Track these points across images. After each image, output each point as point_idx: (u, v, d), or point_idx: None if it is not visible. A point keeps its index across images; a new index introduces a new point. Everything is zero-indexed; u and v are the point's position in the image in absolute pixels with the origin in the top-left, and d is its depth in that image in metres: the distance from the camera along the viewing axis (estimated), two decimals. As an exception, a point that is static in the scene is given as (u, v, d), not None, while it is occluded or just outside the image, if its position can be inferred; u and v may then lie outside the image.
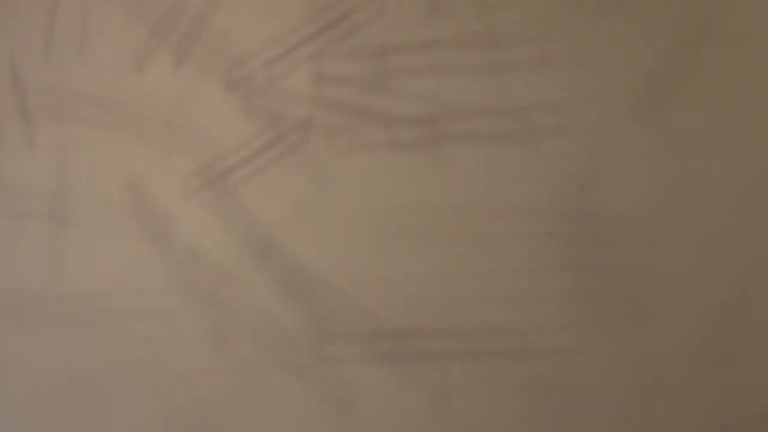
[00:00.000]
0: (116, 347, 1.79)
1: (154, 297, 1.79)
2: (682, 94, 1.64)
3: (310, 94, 1.76)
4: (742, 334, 1.59)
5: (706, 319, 1.60)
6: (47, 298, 1.82)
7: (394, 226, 1.71)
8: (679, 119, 1.63)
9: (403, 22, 1.73)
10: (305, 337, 1.73)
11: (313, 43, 1.77)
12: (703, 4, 1.63)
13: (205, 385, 1.76)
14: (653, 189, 1.63)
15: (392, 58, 1.73)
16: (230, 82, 1.79)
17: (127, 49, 1.83)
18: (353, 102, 1.74)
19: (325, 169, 1.74)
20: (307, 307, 1.73)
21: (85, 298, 1.80)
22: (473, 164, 1.69)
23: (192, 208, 1.79)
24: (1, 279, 1.85)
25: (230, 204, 1.77)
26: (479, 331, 1.67)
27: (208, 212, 1.78)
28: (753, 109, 1.62)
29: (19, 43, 1.88)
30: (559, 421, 1.64)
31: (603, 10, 1.66)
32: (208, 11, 1.81)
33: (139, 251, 1.80)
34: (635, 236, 1.63)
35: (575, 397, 1.63)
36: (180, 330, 1.78)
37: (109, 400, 1.79)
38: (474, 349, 1.67)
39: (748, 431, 1.57)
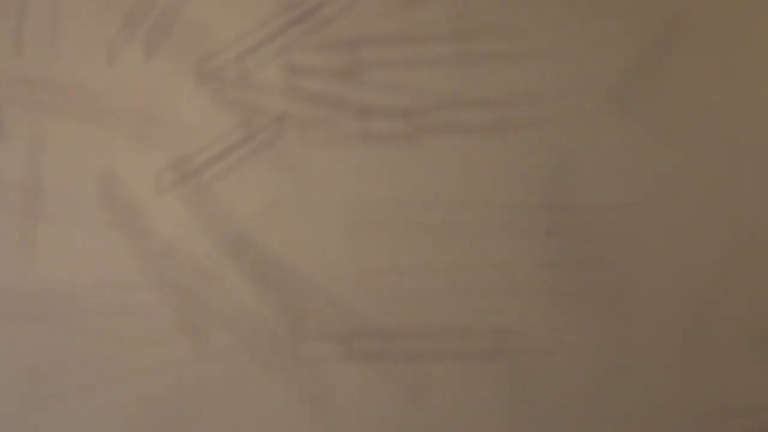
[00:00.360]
0: (89, 342, 1.79)
1: (127, 291, 1.78)
2: (657, 85, 1.64)
3: (282, 87, 1.75)
4: (717, 327, 1.60)
5: (681, 312, 1.61)
6: (18, 292, 1.81)
7: (369, 219, 1.71)
8: (654, 111, 1.64)
9: (375, 14, 1.72)
10: (279, 330, 1.73)
11: (285, 35, 1.75)
12: (678, -3, 1.64)
13: (179, 378, 1.76)
14: (630, 181, 1.64)
15: (365, 50, 1.72)
16: (202, 75, 1.78)
17: (99, 41, 1.82)
18: (326, 95, 1.73)
19: (299, 162, 1.74)
20: (282, 301, 1.73)
21: (57, 293, 1.80)
22: (448, 157, 1.69)
23: (165, 201, 1.78)
24: (-28, 273, 1.86)
25: (204, 198, 1.77)
26: (456, 324, 1.67)
27: (182, 206, 1.78)
28: (728, 100, 1.63)
29: (-11, 33, 1.88)
30: (536, 414, 1.64)
31: (577, 1, 1.66)
32: (178, 3, 1.80)
33: (112, 245, 1.79)
34: (611, 228, 1.64)
35: (552, 391, 1.64)
36: (154, 324, 1.77)
37: (82, 395, 1.79)
38: (451, 343, 1.67)
39: (721, 423, 1.59)
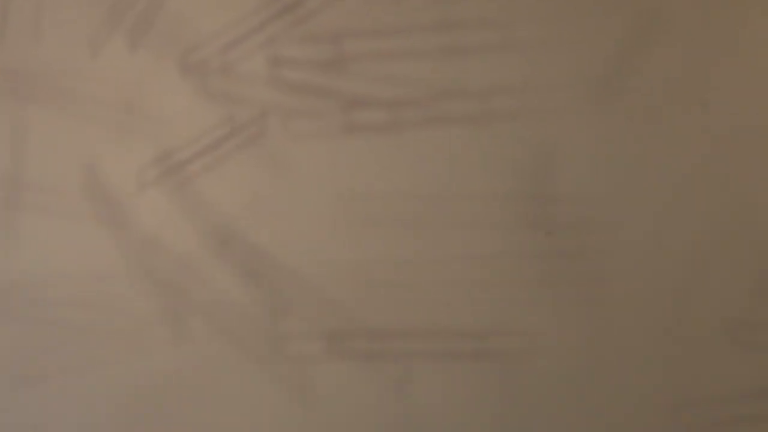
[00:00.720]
0: (68, 332, 1.78)
1: (109, 282, 1.77)
2: (638, 78, 1.64)
3: (266, 79, 1.74)
4: (695, 316, 1.61)
5: (661, 301, 1.62)
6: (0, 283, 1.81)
7: (352, 211, 1.71)
8: (635, 103, 1.64)
9: (359, 6, 1.72)
10: (261, 322, 1.73)
11: (269, 28, 1.75)
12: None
13: (160, 369, 1.75)
14: (611, 172, 1.64)
15: (349, 42, 1.72)
16: (185, 67, 1.78)
17: (82, 33, 1.81)
18: (310, 87, 1.73)
19: (283, 154, 1.73)
20: (264, 293, 1.73)
21: (37, 283, 1.79)
22: (432, 148, 1.69)
23: (148, 193, 1.78)
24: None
25: (188, 190, 1.76)
26: (440, 316, 1.68)
27: (165, 198, 1.77)
28: (706, 94, 1.63)
29: (-29, 24, 1.86)
30: (519, 404, 1.65)
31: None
32: (162, -5, 1.81)
33: (94, 236, 1.79)
34: (593, 219, 1.64)
35: (535, 381, 1.65)
36: (135, 315, 1.77)
37: (63, 387, 1.78)
38: (434, 333, 1.68)
39: (699, 411, 1.60)
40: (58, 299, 1.79)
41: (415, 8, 1.70)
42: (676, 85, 1.63)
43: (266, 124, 1.74)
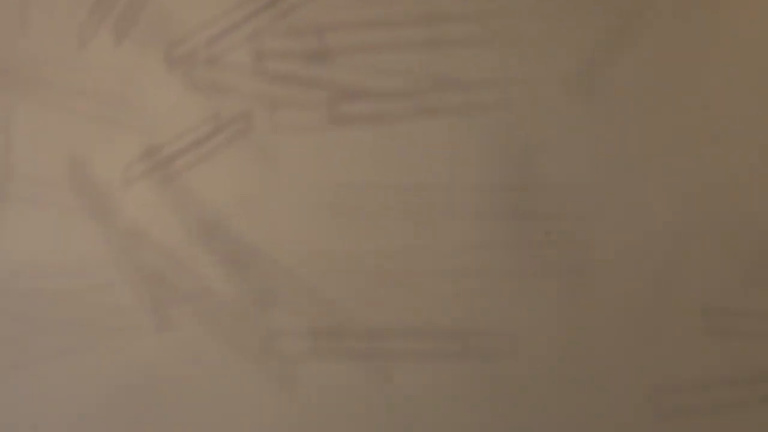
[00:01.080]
0: (56, 324, 1.77)
1: (96, 273, 1.77)
2: (616, 71, 1.65)
3: (252, 72, 1.74)
4: (673, 305, 1.62)
5: (639, 289, 1.62)
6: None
7: (338, 203, 1.71)
8: (613, 95, 1.65)
9: (342, 0, 1.73)
10: (248, 313, 1.73)
11: (253, 21, 1.75)
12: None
13: (145, 358, 1.75)
14: (589, 162, 1.65)
15: (333, 35, 1.72)
16: (171, 59, 1.77)
17: (69, 25, 1.80)
18: (295, 80, 1.73)
19: (268, 146, 1.73)
20: (251, 285, 1.73)
21: (24, 275, 1.79)
22: (417, 141, 1.69)
23: (135, 185, 1.77)
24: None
25: (174, 181, 1.76)
26: (423, 305, 1.68)
27: (151, 189, 1.77)
28: (683, 86, 1.64)
29: (-43, 17, 1.85)
30: (500, 390, 1.66)
31: (539, -10, 1.67)
32: (148, -12, 1.80)
33: (81, 228, 1.78)
34: (572, 209, 1.65)
35: (515, 368, 1.65)
36: (122, 306, 1.76)
37: (49, 376, 1.77)
38: (418, 322, 1.68)
39: (676, 397, 1.61)
40: (44, 290, 1.78)
41: (399, 2, 1.71)
42: (656, 78, 1.64)
43: (252, 118, 1.74)
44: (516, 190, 1.66)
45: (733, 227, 1.61)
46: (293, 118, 1.73)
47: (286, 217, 1.72)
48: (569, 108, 1.66)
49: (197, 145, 1.76)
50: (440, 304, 1.67)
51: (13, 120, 1.81)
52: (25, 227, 1.79)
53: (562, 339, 1.64)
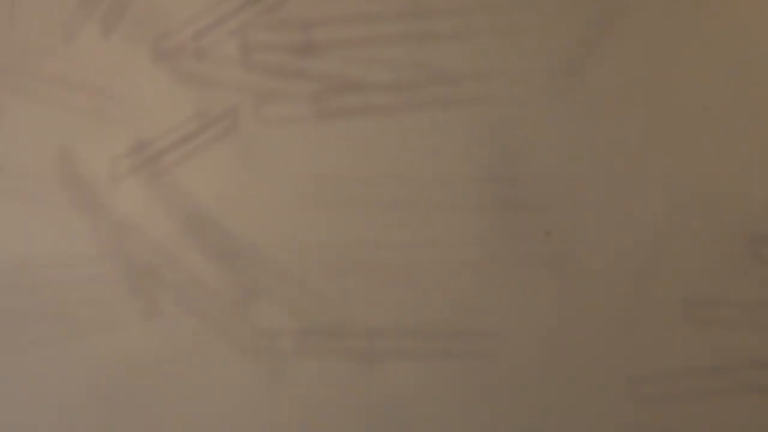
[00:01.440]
0: (44, 316, 1.77)
1: (83, 266, 1.77)
2: (597, 65, 1.65)
3: (238, 66, 1.74)
4: (653, 295, 1.62)
5: (620, 281, 1.63)
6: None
7: (323, 196, 1.71)
8: (599, 89, 1.65)
9: None
10: (237, 305, 1.73)
11: (239, 16, 1.74)
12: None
13: (132, 350, 1.75)
14: (572, 154, 1.65)
15: (319, 29, 1.72)
16: (158, 54, 1.77)
17: (57, 18, 1.80)
18: (280, 74, 1.73)
19: (255, 141, 1.73)
20: (238, 275, 1.73)
21: (13, 267, 1.79)
22: (402, 134, 1.70)
23: (122, 178, 1.77)
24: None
25: (161, 175, 1.76)
26: (408, 296, 1.69)
27: (139, 183, 1.77)
28: (668, 80, 1.64)
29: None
30: (480, 380, 1.66)
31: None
32: (135, -17, 1.79)
33: (69, 221, 1.78)
34: (555, 201, 1.65)
35: (497, 359, 1.66)
36: (109, 299, 1.76)
37: (38, 368, 1.77)
38: (403, 314, 1.69)
39: (656, 386, 1.62)
40: (31, 283, 1.78)
41: None
42: (640, 72, 1.64)
43: (240, 112, 1.74)
44: (501, 182, 1.66)
45: (713, 219, 1.62)
46: (280, 112, 1.73)
47: (274, 209, 1.72)
48: (555, 101, 1.66)
49: (185, 139, 1.76)
50: (427, 295, 1.68)
51: (1, 113, 1.81)
52: (11, 220, 1.79)
53: (545, 329, 1.65)
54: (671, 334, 1.62)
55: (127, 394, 1.75)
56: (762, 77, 1.61)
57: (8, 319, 1.79)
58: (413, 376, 1.68)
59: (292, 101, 1.72)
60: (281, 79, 1.73)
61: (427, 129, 1.69)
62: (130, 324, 1.75)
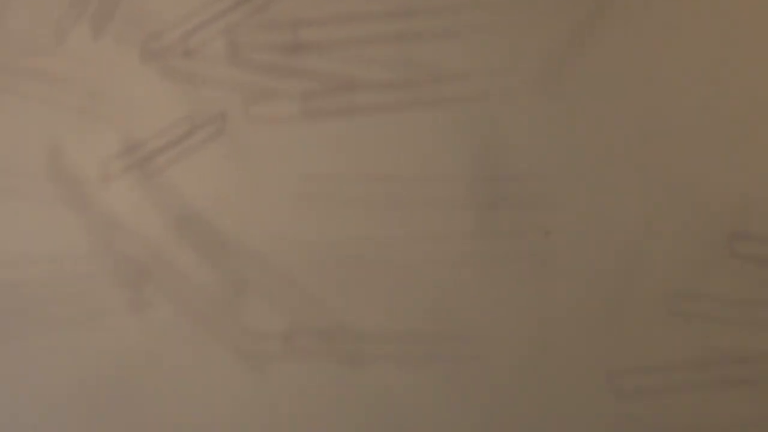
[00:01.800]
0: (34, 310, 1.78)
1: (72, 262, 1.77)
2: (580, 64, 1.66)
3: (227, 66, 1.74)
4: (635, 289, 1.63)
5: (603, 275, 1.64)
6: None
7: (310, 194, 1.71)
8: (578, 87, 1.66)
9: None
10: (223, 300, 1.73)
11: (228, 17, 1.75)
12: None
13: (123, 347, 1.75)
14: (555, 152, 1.66)
15: (307, 30, 1.72)
16: (148, 53, 1.77)
17: (48, 19, 1.80)
18: (269, 75, 1.73)
19: (245, 140, 1.73)
20: (228, 273, 1.73)
21: (3, 262, 1.79)
22: (389, 132, 1.70)
23: (112, 176, 1.77)
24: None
25: (151, 173, 1.76)
26: (393, 293, 1.69)
27: (129, 181, 1.77)
28: (650, 79, 1.64)
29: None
30: (465, 377, 1.67)
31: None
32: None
33: (60, 218, 1.78)
34: (539, 198, 1.66)
35: (484, 351, 1.67)
36: (99, 296, 1.76)
37: (24, 364, 1.77)
38: (388, 310, 1.69)
39: (636, 379, 1.63)
40: (20, 280, 1.78)
41: None
42: (622, 70, 1.65)
43: (229, 111, 1.74)
44: (487, 180, 1.67)
45: (694, 216, 1.62)
46: (270, 111, 1.73)
47: (264, 208, 1.73)
48: (540, 99, 1.66)
49: (175, 140, 1.76)
50: (409, 289, 1.69)
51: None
52: (3, 217, 1.80)
53: (528, 325, 1.65)
54: (652, 329, 1.62)
55: (115, 391, 1.75)
56: (741, 76, 1.62)
57: None
58: (402, 377, 1.68)
59: (281, 101, 1.73)
60: (270, 79, 1.73)
61: (414, 128, 1.69)
62: (119, 322, 1.76)
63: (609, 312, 1.63)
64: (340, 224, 1.71)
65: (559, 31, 1.66)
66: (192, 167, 1.75)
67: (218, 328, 1.73)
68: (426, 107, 1.69)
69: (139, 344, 1.75)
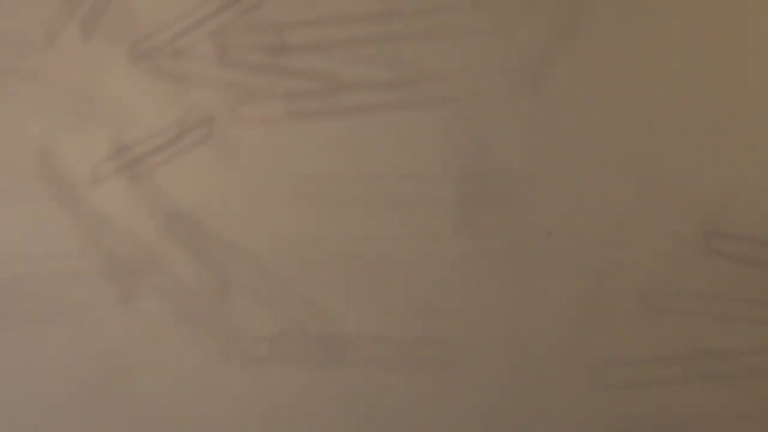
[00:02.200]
0: (24, 308, 1.78)
1: (63, 260, 1.77)
2: (561, 66, 1.67)
3: (215, 68, 1.75)
4: (612, 286, 1.64)
5: (581, 273, 1.65)
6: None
7: (299, 194, 1.72)
8: (558, 88, 1.66)
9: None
10: (213, 299, 1.74)
11: (216, 19, 1.75)
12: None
13: (113, 343, 1.75)
14: (536, 152, 1.66)
15: (292, 32, 1.72)
16: (137, 55, 1.77)
17: (38, 20, 1.79)
18: (257, 77, 1.73)
19: (232, 140, 1.74)
20: (215, 271, 1.74)
21: None
22: (373, 133, 1.71)
23: (101, 176, 1.77)
24: None
25: (140, 173, 1.76)
26: (378, 290, 1.70)
27: (118, 181, 1.77)
28: (625, 78, 1.65)
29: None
30: (447, 372, 1.68)
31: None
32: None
33: (51, 218, 1.78)
34: (519, 196, 1.66)
35: (466, 345, 1.68)
36: (87, 290, 1.76)
37: (18, 358, 1.77)
38: (372, 306, 1.70)
39: (613, 373, 1.64)
40: (10, 278, 1.78)
41: (353, 0, 1.71)
42: (598, 70, 1.65)
43: (218, 112, 1.73)
44: (468, 179, 1.67)
45: (672, 212, 1.63)
46: (257, 112, 1.73)
47: (252, 208, 1.73)
48: (518, 100, 1.66)
49: (164, 141, 1.75)
50: (394, 285, 1.69)
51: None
52: None
53: (509, 319, 1.66)
54: (632, 325, 1.63)
55: (104, 387, 1.76)
56: (718, 77, 1.63)
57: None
58: (387, 378, 1.69)
59: (268, 102, 1.73)
60: (258, 80, 1.73)
61: (398, 128, 1.70)
62: (108, 319, 1.76)
63: (590, 308, 1.64)
64: (328, 224, 1.71)
65: (542, 33, 1.67)
66: (181, 168, 1.75)
67: (207, 327, 1.74)
68: (412, 108, 1.70)
69: (128, 341, 1.76)
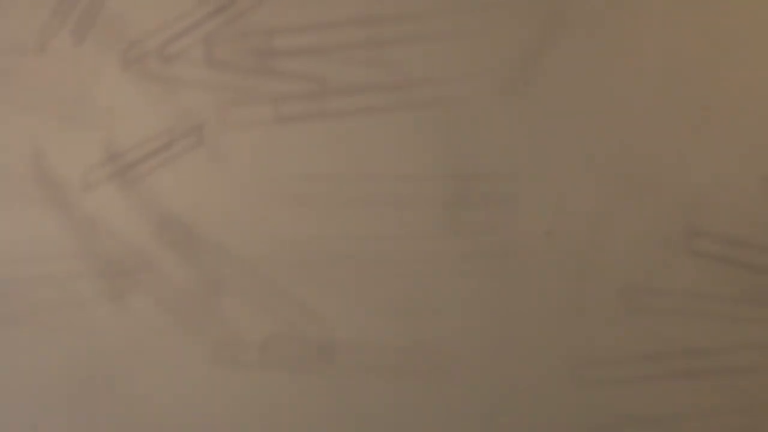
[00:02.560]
0: (20, 306, 1.78)
1: (55, 261, 1.77)
2: (545, 68, 1.67)
3: (204, 73, 1.75)
4: (594, 285, 1.65)
5: (563, 271, 1.65)
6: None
7: (289, 196, 1.72)
8: (542, 91, 1.67)
9: (287, 4, 1.73)
10: (200, 295, 1.74)
11: (203, 26, 1.76)
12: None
13: (102, 340, 1.76)
14: (519, 153, 1.66)
15: (280, 37, 1.73)
16: (128, 61, 1.78)
17: (30, 25, 1.80)
18: (243, 81, 1.74)
19: (222, 144, 1.74)
20: (206, 273, 1.74)
21: None
22: (357, 135, 1.71)
23: (93, 181, 1.78)
24: None
25: (130, 178, 1.77)
26: (366, 290, 1.70)
27: (110, 185, 1.77)
28: (609, 80, 1.65)
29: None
30: (429, 369, 1.69)
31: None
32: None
33: (43, 221, 1.78)
34: (504, 196, 1.67)
35: (449, 341, 1.68)
36: (81, 294, 1.77)
37: (11, 357, 1.78)
38: (359, 305, 1.70)
39: (594, 371, 1.65)
40: (3, 280, 1.79)
41: (343, 4, 1.72)
42: (580, 72, 1.66)
43: (207, 117, 1.74)
44: (451, 180, 1.68)
45: (653, 212, 1.63)
46: (246, 116, 1.73)
47: (243, 210, 1.73)
48: (505, 101, 1.67)
49: (155, 146, 1.76)
50: (381, 287, 1.70)
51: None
52: None
53: (491, 317, 1.66)
54: (612, 323, 1.63)
55: (95, 387, 1.76)
56: (697, 77, 1.63)
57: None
58: (376, 382, 1.70)
59: (257, 106, 1.73)
60: (248, 85, 1.73)
61: (385, 130, 1.70)
62: (100, 322, 1.76)
63: (571, 307, 1.65)
64: (318, 226, 1.71)
65: (528, 35, 1.67)
66: (172, 171, 1.76)
67: (199, 330, 1.74)
68: (401, 110, 1.70)
69: (121, 343, 1.76)
